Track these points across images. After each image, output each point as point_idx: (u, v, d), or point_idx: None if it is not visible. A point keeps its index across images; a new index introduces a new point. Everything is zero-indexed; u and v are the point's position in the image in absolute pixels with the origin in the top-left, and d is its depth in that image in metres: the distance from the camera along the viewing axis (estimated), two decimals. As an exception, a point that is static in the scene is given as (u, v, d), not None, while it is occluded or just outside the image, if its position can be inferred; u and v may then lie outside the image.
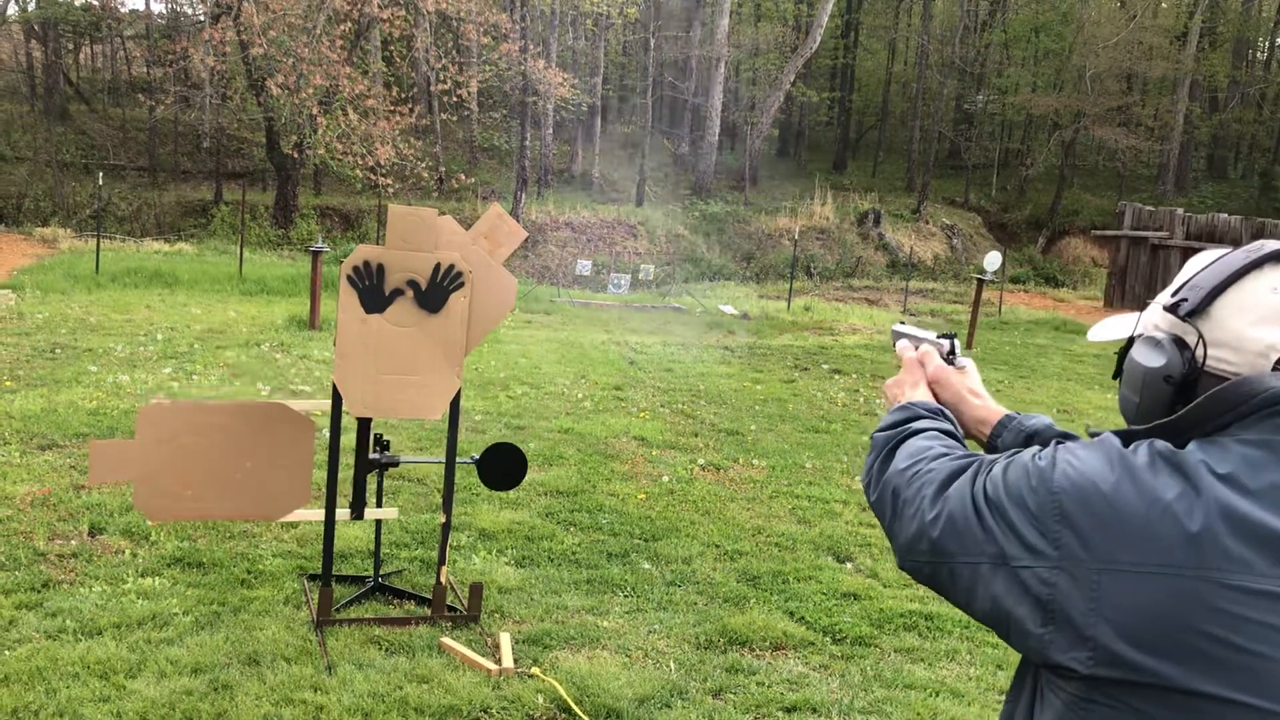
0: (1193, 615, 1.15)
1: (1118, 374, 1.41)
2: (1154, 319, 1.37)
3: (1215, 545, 1.15)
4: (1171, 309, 1.32)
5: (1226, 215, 23.78)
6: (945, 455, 1.42)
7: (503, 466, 4.82)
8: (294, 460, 4.32)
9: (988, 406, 1.70)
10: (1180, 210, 24.00)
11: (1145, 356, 1.32)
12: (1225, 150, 41.04)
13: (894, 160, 41.17)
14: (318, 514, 4.58)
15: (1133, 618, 1.17)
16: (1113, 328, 1.50)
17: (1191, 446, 1.22)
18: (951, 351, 1.77)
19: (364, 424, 4.51)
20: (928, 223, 31.58)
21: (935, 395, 1.70)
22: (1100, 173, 38.93)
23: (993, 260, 16.74)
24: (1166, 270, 22.77)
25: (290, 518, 4.46)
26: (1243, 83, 37.85)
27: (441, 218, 4.42)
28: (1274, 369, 1.23)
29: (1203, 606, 1.15)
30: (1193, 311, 1.29)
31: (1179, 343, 1.30)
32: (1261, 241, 1.32)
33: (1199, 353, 1.28)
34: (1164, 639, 1.16)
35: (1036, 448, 1.34)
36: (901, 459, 1.46)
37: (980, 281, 16.20)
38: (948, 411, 1.64)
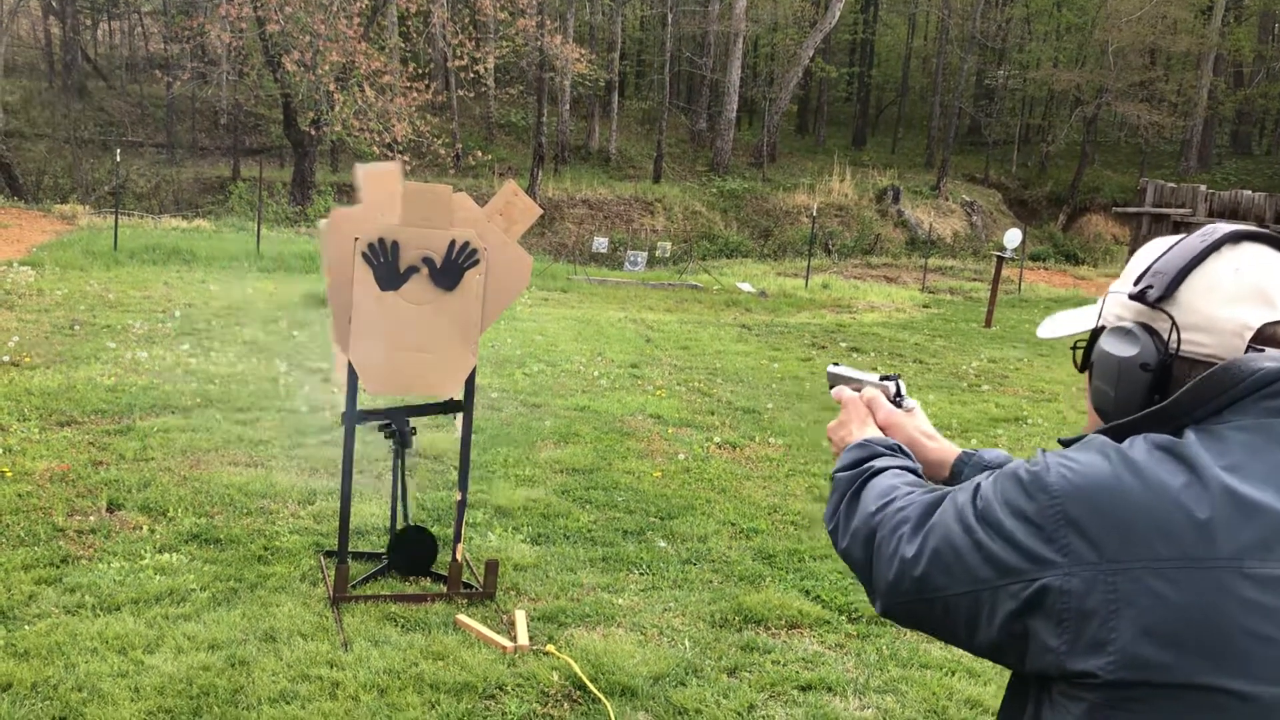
0: (1215, 607, 1.11)
1: (1084, 368, 1.39)
2: (1116, 310, 1.35)
3: (1228, 533, 1.12)
4: (1138, 297, 1.30)
5: (1250, 192, 23.45)
6: (914, 491, 1.37)
7: None
8: None
9: (943, 447, 1.66)
10: (1203, 187, 23.68)
11: (1117, 346, 1.30)
12: (1250, 126, 40.51)
13: (914, 136, 40.84)
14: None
15: (1154, 616, 1.12)
16: (1064, 323, 1.47)
17: (1190, 437, 1.19)
18: (898, 394, 1.71)
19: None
20: (947, 199, 31.34)
21: None
22: (1122, 149, 38.53)
23: (1013, 237, 16.60)
24: (1189, 247, 22.49)
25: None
26: (1269, 57, 37.31)
27: (456, 194, 4.40)
28: (1248, 349, 1.22)
29: (1225, 598, 1.11)
30: (1161, 297, 1.27)
31: (1149, 330, 1.29)
32: (1214, 225, 1.31)
33: (1172, 338, 1.26)
34: (1188, 634, 1.11)
35: (1021, 460, 1.29)
36: (870, 500, 1.40)
37: (1000, 259, 16.08)
38: (905, 449, 1.58)
